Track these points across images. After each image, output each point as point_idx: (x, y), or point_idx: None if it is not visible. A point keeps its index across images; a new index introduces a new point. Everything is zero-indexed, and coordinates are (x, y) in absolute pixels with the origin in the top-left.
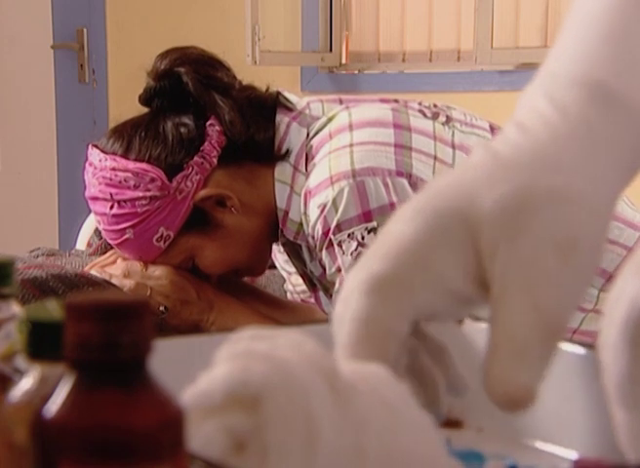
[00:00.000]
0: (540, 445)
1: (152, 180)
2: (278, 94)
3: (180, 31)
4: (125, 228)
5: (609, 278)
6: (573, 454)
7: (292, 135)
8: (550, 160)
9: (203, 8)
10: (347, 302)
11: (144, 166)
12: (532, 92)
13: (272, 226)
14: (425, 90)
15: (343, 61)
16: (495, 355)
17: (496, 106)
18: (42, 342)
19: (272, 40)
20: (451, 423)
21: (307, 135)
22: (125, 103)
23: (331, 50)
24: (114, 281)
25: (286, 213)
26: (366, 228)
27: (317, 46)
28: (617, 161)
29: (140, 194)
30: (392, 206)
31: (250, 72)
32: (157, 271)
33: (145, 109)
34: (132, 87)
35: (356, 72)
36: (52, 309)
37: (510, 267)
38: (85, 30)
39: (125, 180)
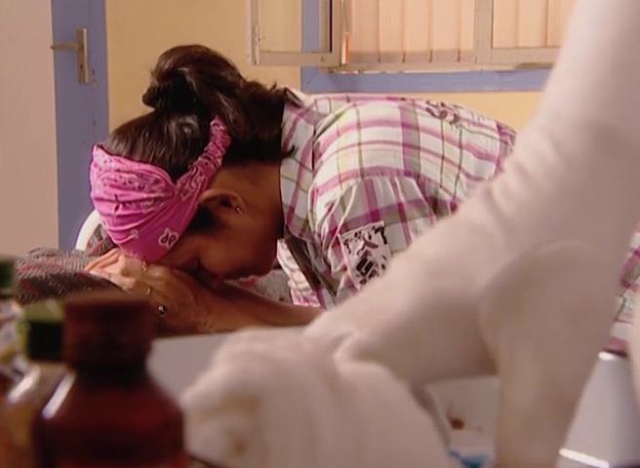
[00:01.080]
0: None
1: (156, 182)
2: (286, 90)
3: (181, 31)
4: (130, 229)
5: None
6: (571, 454)
7: (298, 131)
8: (556, 221)
9: (203, 8)
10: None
11: (149, 167)
12: (534, 130)
13: (277, 225)
14: (425, 90)
15: (343, 62)
16: (505, 430)
17: (496, 106)
18: (42, 343)
19: (272, 40)
20: (451, 423)
21: (314, 132)
22: (125, 104)
23: (331, 50)
24: (113, 280)
25: (291, 209)
26: (373, 227)
27: (317, 46)
28: (624, 212)
29: (145, 195)
30: (400, 206)
31: (250, 72)
32: (157, 272)
33: (148, 109)
34: (132, 87)
35: (356, 72)
36: (51, 309)
37: (519, 340)
38: (85, 30)
39: (129, 182)
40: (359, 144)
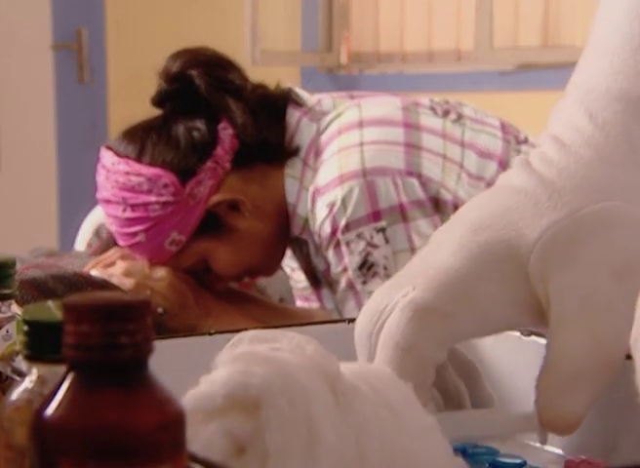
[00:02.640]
0: (535, 444)
1: (165, 186)
2: (289, 90)
3: (180, 32)
4: (137, 232)
5: None
6: (572, 454)
7: (302, 130)
8: (597, 184)
9: (203, 8)
10: (383, 321)
11: (158, 171)
12: (567, 105)
13: (285, 226)
14: (425, 90)
15: (343, 62)
16: (547, 380)
17: (496, 107)
18: (42, 343)
19: (272, 40)
20: None
21: (318, 130)
22: (125, 104)
23: (330, 50)
24: (114, 280)
25: (294, 207)
26: (375, 228)
27: (317, 46)
28: None
29: (154, 199)
30: (402, 206)
31: (250, 72)
32: (159, 273)
33: (150, 108)
34: (131, 87)
35: (356, 72)
36: (51, 309)
37: (567, 294)
38: (84, 30)
39: (138, 185)
40: (361, 145)
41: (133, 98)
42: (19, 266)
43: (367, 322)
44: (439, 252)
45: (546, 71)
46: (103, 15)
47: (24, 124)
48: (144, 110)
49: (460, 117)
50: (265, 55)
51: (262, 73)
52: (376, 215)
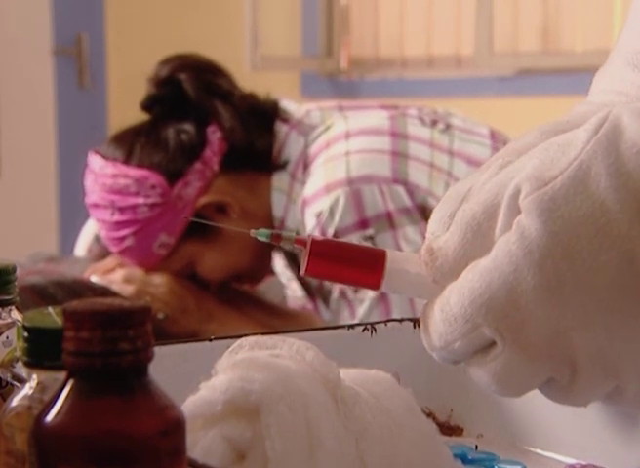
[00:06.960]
0: (536, 450)
1: (153, 187)
2: (277, 102)
3: (180, 37)
4: (126, 235)
5: None
6: (569, 461)
7: (290, 143)
8: None
9: (203, 14)
10: (478, 177)
11: (145, 172)
12: (616, 67)
13: None
14: (425, 95)
15: (343, 67)
16: None
17: (495, 112)
18: (42, 349)
19: (272, 46)
20: (451, 430)
21: (306, 143)
22: (125, 109)
23: (330, 55)
24: (114, 287)
25: (282, 221)
26: (363, 236)
27: (317, 51)
28: None
29: (141, 201)
30: (389, 214)
31: (249, 78)
32: (158, 278)
33: (147, 116)
34: (132, 92)
35: (356, 78)
36: (51, 316)
37: None
38: (85, 36)
39: (126, 187)
40: (347, 154)
41: (133, 104)
42: (18, 272)
43: (451, 199)
44: (520, 138)
45: (546, 76)
46: (104, 20)
47: (25, 129)
48: (144, 116)
49: (448, 127)
50: (265, 60)
51: (262, 78)
52: (363, 223)
